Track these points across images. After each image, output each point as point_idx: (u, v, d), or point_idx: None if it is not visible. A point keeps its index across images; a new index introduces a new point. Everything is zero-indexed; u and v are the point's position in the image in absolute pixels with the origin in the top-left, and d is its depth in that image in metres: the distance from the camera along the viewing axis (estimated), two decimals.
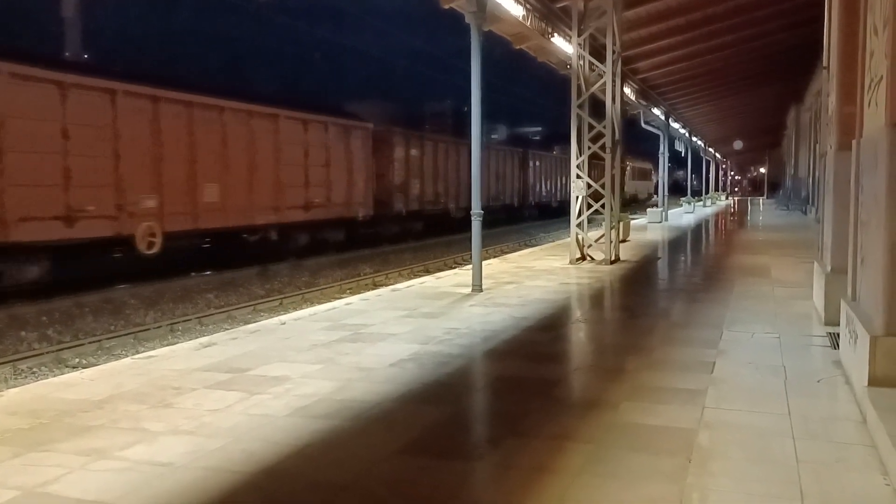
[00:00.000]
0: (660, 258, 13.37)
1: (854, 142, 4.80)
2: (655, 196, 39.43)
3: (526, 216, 32.02)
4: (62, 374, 6.57)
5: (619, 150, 11.94)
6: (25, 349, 8.71)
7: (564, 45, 11.92)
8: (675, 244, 16.64)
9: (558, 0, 11.35)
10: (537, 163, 33.52)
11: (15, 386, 6.49)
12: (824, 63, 6.96)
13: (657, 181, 33.98)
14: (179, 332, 9.75)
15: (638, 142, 40.27)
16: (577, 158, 11.61)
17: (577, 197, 11.72)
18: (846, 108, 5.47)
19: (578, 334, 6.51)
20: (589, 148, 11.71)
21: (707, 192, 42.51)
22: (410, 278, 12.41)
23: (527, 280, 9.64)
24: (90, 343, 8.92)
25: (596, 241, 11.91)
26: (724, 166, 59.72)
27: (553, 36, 11.64)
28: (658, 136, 26.26)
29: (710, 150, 43.75)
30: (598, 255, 11.68)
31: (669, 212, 26.25)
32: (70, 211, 11.49)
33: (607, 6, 11.07)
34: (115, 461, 3.32)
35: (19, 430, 3.77)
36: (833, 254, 6.06)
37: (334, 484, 3.09)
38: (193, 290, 12.87)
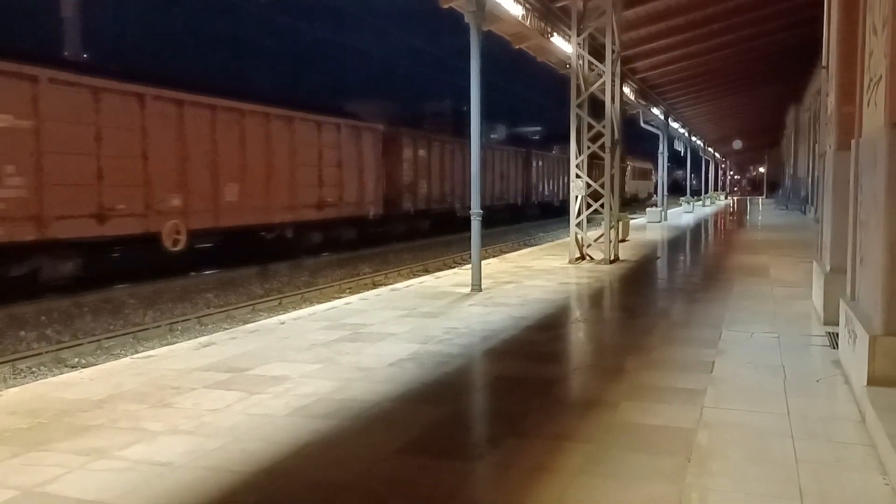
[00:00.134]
0: (659, 258, 13.38)
1: (853, 141, 4.81)
2: (655, 196, 39.46)
3: (529, 215, 32.35)
4: (61, 373, 6.56)
5: (619, 149, 11.94)
6: (25, 349, 8.70)
7: (564, 45, 11.92)
8: (675, 244, 16.64)
9: (557, 0, 11.36)
10: (540, 163, 33.85)
11: (14, 385, 6.50)
12: (823, 63, 6.97)
13: (657, 181, 34.03)
14: (179, 332, 9.75)
15: (638, 142, 40.33)
16: (577, 158, 11.61)
17: (577, 196, 11.72)
18: (845, 107, 5.47)
19: (578, 334, 6.52)
20: (588, 147, 11.71)
21: (706, 192, 42.53)
22: (410, 278, 12.42)
23: (526, 280, 9.65)
24: (89, 343, 8.92)
25: (595, 240, 11.92)
26: (723, 166, 59.74)
27: (552, 35, 11.65)
28: (657, 136, 26.27)
29: (710, 149, 43.77)
30: (598, 255, 11.69)
31: (669, 211, 26.27)
32: (102, 209, 12.03)
33: (606, 6, 11.07)
34: (114, 461, 3.31)
35: (18, 429, 3.77)
36: (832, 253, 6.06)
37: (334, 483, 3.09)
38: (192, 289, 12.87)
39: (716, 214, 30.71)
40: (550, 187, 35.23)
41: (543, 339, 6.15)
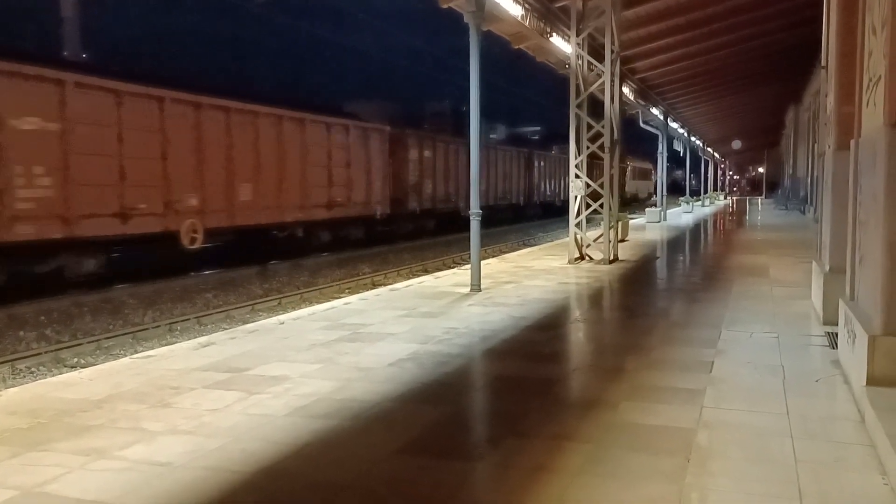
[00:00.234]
0: (658, 258, 13.38)
1: (852, 141, 4.81)
2: (655, 196, 39.52)
3: (531, 215, 32.70)
4: (61, 373, 6.56)
5: (618, 149, 11.94)
6: (24, 349, 8.70)
7: (563, 45, 11.92)
8: (674, 244, 16.65)
9: (557, 0, 11.37)
10: (542, 163, 34.20)
11: (14, 385, 6.49)
12: (823, 63, 6.97)
13: (656, 181, 34.10)
14: (178, 332, 9.75)
15: (638, 142, 40.37)
16: (576, 158, 11.61)
17: (576, 197, 11.73)
18: (844, 107, 5.47)
19: (577, 334, 6.52)
20: (588, 148, 11.71)
21: (706, 192, 42.54)
22: (409, 278, 12.42)
23: (525, 280, 9.65)
24: (89, 343, 8.92)
25: (595, 240, 11.92)
26: (722, 166, 59.76)
27: (552, 35, 11.64)
28: (657, 136, 26.28)
29: (709, 149, 43.79)
30: (597, 255, 11.69)
31: (668, 211, 26.28)
32: (124, 208, 12.46)
33: (606, 6, 11.08)
34: (113, 461, 3.31)
35: (18, 429, 3.77)
36: (831, 253, 6.07)
37: (334, 483, 3.09)
38: (192, 289, 12.87)
39: (715, 214, 30.73)
40: (552, 187, 35.51)
41: (543, 339, 6.15)
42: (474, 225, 8.61)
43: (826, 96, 6.75)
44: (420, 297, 8.28)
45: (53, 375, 6.81)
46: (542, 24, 11.23)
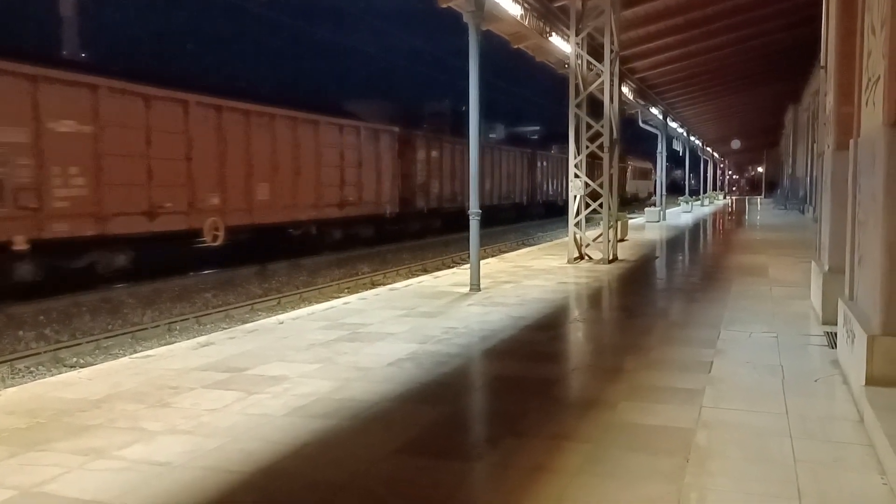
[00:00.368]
0: (657, 257, 13.38)
1: (851, 141, 4.81)
2: (655, 195, 39.57)
3: (534, 214, 33.14)
4: (60, 373, 6.55)
5: (617, 149, 11.94)
6: (23, 348, 8.69)
7: (562, 45, 11.92)
8: (673, 243, 16.65)
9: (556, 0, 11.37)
10: (544, 163, 34.66)
11: (12, 385, 6.48)
12: (822, 63, 6.97)
13: (656, 180, 34.15)
14: (177, 332, 9.74)
15: (638, 142, 40.40)
16: (576, 158, 11.61)
17: (575, 196, 11.73)
18: (844, 107, 5.47)
19: (576, 334, 6.52)
20: (587, 147, 11.71)
21: (705, 192, 42.55)
22: (408, 277, 12.41)
23: (525, 279, 9.65)
24: (88, 342, 8.91)
25: (594, 240, 11.92)
26: (721, 166, 59.78)
27: (551, 35, 11.64)
28: (656, 136, 26.29)
29: (709, 149, 43.81)
30: (596, 255, 11.69)
31: (667, 211, 26.29)
32: (152, 207, 13.05)
33: (605, 5, 11.07)
34: (112, 461, 3.31)
35: (17, 429, 3.77)
36: (831, 253, 6.07)
37: (332, 483, 3.09)
38: (191, 289, 12.87)
39: (714, 214, 30.74)
40: (554, 187, 35.87)
41: (542, 338, 6.15)
42: (474, 225, 8.61)
43: (825, 96, 6.75)
44: (419, 296, 8.28)
45: (52, 375, 6.80)
46: (541, 24, 11.23)
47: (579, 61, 11.56)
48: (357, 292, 9.84)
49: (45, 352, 8.42)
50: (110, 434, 3.67)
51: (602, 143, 11.52)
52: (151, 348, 6.42)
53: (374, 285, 13.00)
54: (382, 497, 2.96)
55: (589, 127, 11.65)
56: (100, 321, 10.28)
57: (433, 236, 23.27)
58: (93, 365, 6.47)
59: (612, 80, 11.47)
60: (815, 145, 19.19)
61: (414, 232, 22.87)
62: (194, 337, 6.79)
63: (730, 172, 70.47)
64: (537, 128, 48.77)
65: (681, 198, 33.92)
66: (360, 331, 6.28)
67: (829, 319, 5.76)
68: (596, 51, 11.64)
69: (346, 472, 3.20)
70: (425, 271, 14.83)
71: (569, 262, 11.55)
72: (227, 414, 3.98)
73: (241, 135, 15.22)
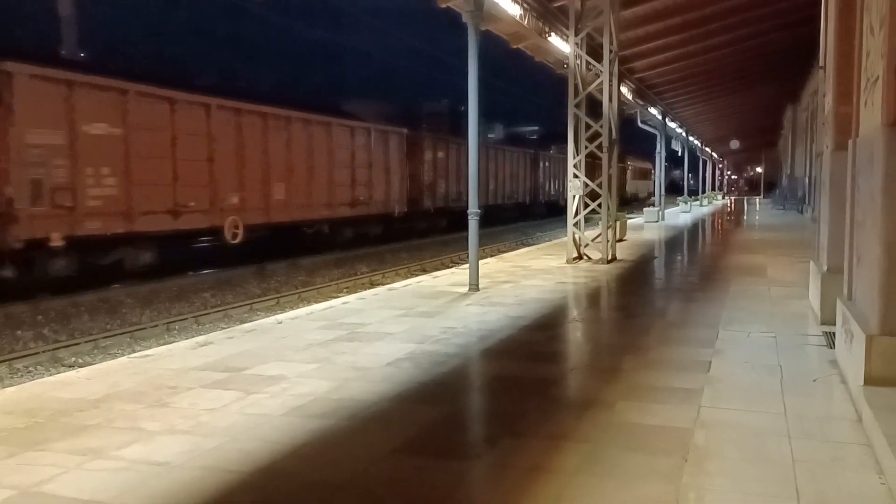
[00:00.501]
0: (656, 257, 13.38)
1: (850, 141, 4.81)
2: (654, 195, 39.66)
3: (536, 214, 33.63)
4: (58, 373, 6.54)
5: (616, 149, 11.94)
6: (21, 348, 8.68)
7: (561, 45, 11.92)
8: (672, 243, 16.66)
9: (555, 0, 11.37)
10: (546, 163, 35.17)
11: (11, 385, 6.47)
12: (821, 63, 6.98)
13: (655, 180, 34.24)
14: (176, 332, 9.74)
15: (637, 142, 40.42)
16: (574, 158, 11.61)
17: (574, 196, 11.73)
18: (842, 107, 5.48)
19: (575, 334, 6.52)
20: (586, 147, 11.72)
21: (704, 192, 42.57)
22: (407, 277, 12.41)
23: (523, 279, 9.65)
24: (86, 342, 8.90)
25: (593, 240, 11.92)
26: (720, 166, 59.81)
27: (550, 35, 11.65)
28: (655, 136, 26.30)
29: (707, 149, 43.83)
30: (595, 255, 11.69)
31: (666, 211, 26.29)
32: (176, 206, 13.65)
33: (604, 6, 11.08)
34: (111, 461, 3.31)
35: (15, 429, 3.76)
36: (829, 253, 6.07)
37: (331, 483, 3.09)
38: (190, 289, 12.86)
39: (713, 214, 30.75)
40: (556, 187, 36.31)
41: (540, 338, 6.15)
42: (472, 225, 8.60)
43: (824, 96, 6.75)
44: (418, 296, 8.28)
45: (51, 375, 6.79)
46: (540, 24, 11.24)
47: (578, 61, 11.56)
48: (356, 292, 9.84)
49: (43, 351, 8.42)
50: (109, 434, 3.67)
51: (601, 143, 11.52)
52: (150, 348, 6.42)
53: (372, 285, 12.99)
54: (381, 497, 2.96)
55: (588, 127, 11.65)
56: (98, 321, 10.27)
57: (439, 235, 23.69)
58: (91, 365, 6.46)
59: (610, 80, 11.47)
60: (813, 145, 19.22)
61: (421, 230, 23.49)
62: (193, 337, 6.79)
63: (728, 172, 70.50)
64: (536, 128, 48.78)
65: (679, 198, 33.94)
66: (358, 331, 6.28)
67: (828, 319, 5.77)
68: (595, 51, 11.64)
69: (344, 471, 3.20)
70: (424, 271, 14.83)
71: (567, 262, 11.55)
72: (225, 414, 3.97)
73: (258, 137, 15.81)
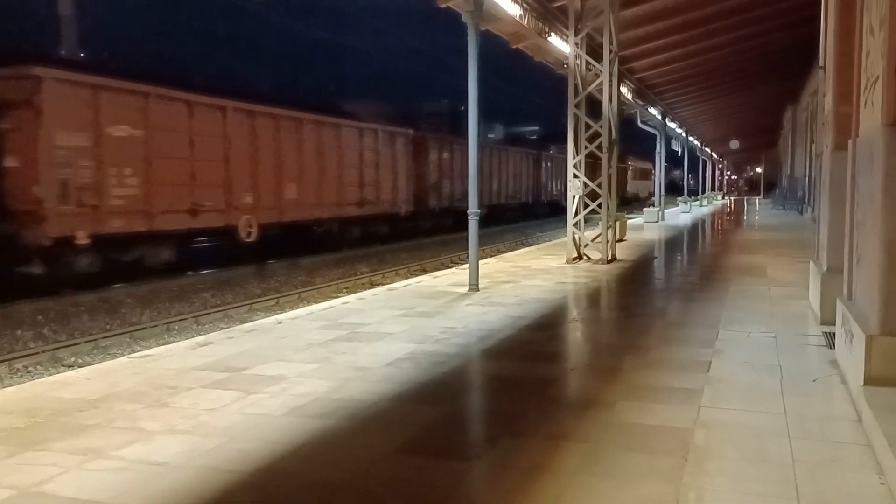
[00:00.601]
0: (656, 257, 13.38)
1: (850, 142, 4.81)
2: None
3: (539, 213, 34.01)
4: (58, 373, 6.54)
5: (616, 149, 11.94)
6: (21, 348, 8.68)
7: (561, 45, 11.92)
8: (672, 244, 16.65)
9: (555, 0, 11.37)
10: (549, 163, 35.52)
11: (10, 385, 6.47)
12: (821, 63, 6.98)
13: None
14: (176, 332, 9.74)
15: (636, 142, 40.43)
16: (574, 158, 11.61)
17: (574, 196, 11.73)
18: (842, 107, 5.48)
19: (575, 334, 6.52)
20: (586, 147, 11.71)
21: (703, 192, 42.57)
22: (407, 277, 12.41)
23: (523, 279, 9.65)
24: (86, 342, 8.90)
25: (592, 240, 11.92)
26: (720, 166, 59.82)
27: (550, 35, 11.64)
28: (655, 136, 26.30)
29: (707, 149, 43.83)
30: (595, 255, 11.69)
31: (666, 211, 26.30)
32: (194, 205, 14.17)
33: (604, 6, 11.07)
34: (110, 460, 3.31)
35: (15, 429, 3.76)
36: (829, 253, 6.07)
37: (331, 483, 3.08)
38: (189, 289, 12.86)
39: (713, 214, 30.75)
40: (558, 186, 36.70)
41: (540, 338, 6.15)
42: (472, 225, 8.61)
43: (824, 96, 6.75)
44: (418, 296, 8.28)
45: (50, 375, 6.79)
46: (540, 24, 11.23)
47: (578, 61, 11.56)
48: (355, 292, 9.83)
49: (43, 351, 8.42)
50: (108, 434, 3.67)
51: (601, 144, 11.52)
52: (150, 348, 6.42)
53: (372, 285, 12.99)
54: (381, 497, 2.96)
55: (588, 127, 11.65)
56: (98, 321, 10.27)
57: (444, 234, 23.98)
58: (91, 364, 6.46)
59: (610, 81, 11.46)
60: (813, 145, 19.21)
61: (427, 229, 23.99)
62: (193, 337, 6.79)
63: (728, 172, 70.50)
64: (536, 128, 48.80)
65: (679, 198, 33.94)
66: (358, 331, 6.28)
67: (828, 319, 5.77)
68: (595, 51, 11.64)
69: (344, 471, 3.20)
70: (424, 271, 14.83)
71: (567, 262, 11.55)
72: (225, 414, 3.97)
73: (271, 138, 16.32)
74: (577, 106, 11.57)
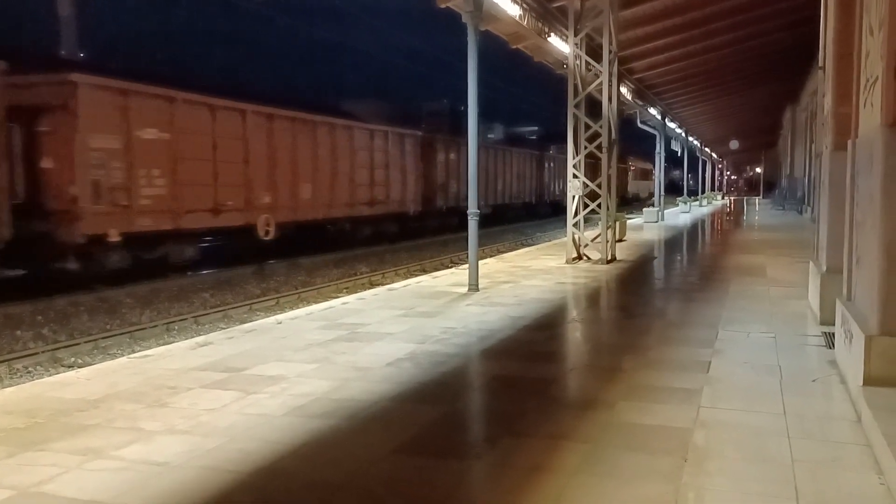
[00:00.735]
0: (656, 258, 13.39)
1: (849, 142, 4.82)
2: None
3: (542, 213, 34.23)
4: (58, 373, 6.55)
5: (616, 149, 11.94)
6: (21, 348, 8.68)
7: (561, 45, 11.92)
8: (671, 244, 16.66)
9: (554, 0, 11.36)
10: (551, 164, 35.70)
11: (10, 385, 6.48)
12: (820, 63, 6.98)
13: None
14: (175, 332, 9.73)
15: (636, 142, 40.47)
16: (574, 158, 11.61)
17: (574, 196, 11.73)
18: (842, 108, 5.48)
19: (574, 334, 6.52)
20: (585, 148, 11.71)
21: (703, 192, 42.58)
22: (407, 277, 12.41)
23: (523, 279, 9.65)
24: (86, 342, 8.90)
25: (592, 240, 11.92)
26: (720, 166, 59.83)
27: (549, 36, 11.65)
28: (655, 136, 26.31)
29: (707, 149, 43.84)
30: (595, 255, 11.70)
31: (666, 211, 26.30)
32: (216, 205, 14.69)
33: (604, 6, 11.08)
34: (110, 461, 3.31)
35: (15, 429, 3.76)
36: (828, 254, 6.07)
37: (331, 483, 3.09)
38: (189, 289, 12.85)
39: (712, 214, 30.76)
40: (560, 187, 36.66)
41: (540, 338, 6.15)
42: (472, 225, 8.61)
43: (823, 97, 6.76)
44: (418, 296, 8.28)
45: (50, 375, 6.80)
46: (539, 24, 11.23)
47: (578, 62, 11.56)
48: (355, 292, 9.83)
49: (42, 352, 8.41)
50: (108, 434, 3.67)
51: (600, 144, 11.52)
52: (149, 348, 6.42)
53: (372, 285, 12.99)
54: (381, 497, 2.97)
55: (587, 127, 11.66)
56: (98, 321, 10.27)
57: (450, 233, 24.14)
58: (91, 365, 6.46)
59: (610, 81, 11.47)
60: (813, 146, 19.22)
61: (434, 228, 24.36)
62: (192, 337, 6.80)
63: (728, 173, 70.52)
64: (536, 128, 48.79)
65: (679, 198, 33.94)
66: (358, 331, 6.28)
67: (827, 320, 5.77)
68: (594, 51, 11.64)
69: (344, 471, 3.20)
70: (424, 271, 14.83)
71: (567, 262, 11.56)
72: (225, 414, 3.97)
73: (288, 140, 16.85)
74: (576, 106, 11.57)
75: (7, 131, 11.17)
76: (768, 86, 24.01)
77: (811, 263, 7.25)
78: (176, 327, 9.99)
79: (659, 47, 15.21)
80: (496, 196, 28.27)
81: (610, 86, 11.47)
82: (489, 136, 34.98)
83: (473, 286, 8.54)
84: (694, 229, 21.88)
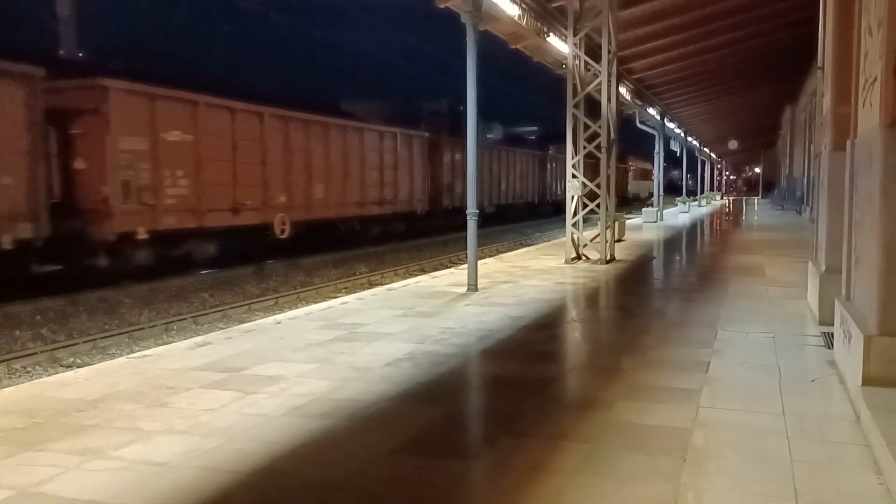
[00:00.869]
0: (655, 258, 13.39)
1: (848, 142, 4.82)
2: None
3: (544, 213, 34.54)
4: (57, 373, 6.55)
5: (615, 149, 11.94)
6: (20, 348, 8.68)
7: (560, 45, 11.92)
8: (671, 244, 16.67)
9: (554, 0, 11.37)
10: (553, 164, 36.00)
11: (9, 385, 6.47)
12: (819, 63, 6.99)
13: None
14: (174, 332, 9.73)
15: (635, 142, 40.48)
16: (573, 158, 11.61)
17: (573, 196, 11.73)
18: (841, 108, 5.49)
19: (574, 334, 6.52)
20: (584, 148, 11.72)
21: (702, 192, 42.60)
22: (406, 277, 12.41)
23: (522, 279, 9.65)
24: (85, 342, 8.90)
25: (591, 240, 11.92)
26: (719, 166, 59.85)
27: (549, 36, 11.65)
28: (654, 136, 26.31)
29: (706, 149, 43.87)
30: (594, 255, 11.70)
31: (665, 211, 26.31)
32: (236, 204, 15.33)
33: (603, 6, 11.08)
34: (109, 461, 3.31)
35: (14, 429, 3.76)
36: (827, 254, 6.08)
37: (330, 483, 3.09)
38: (188, 289, 12.85)
39: (711, 214, 30.77)
40: (562, 187, 36.40)
41: (539, 338, 6.15)
42: (471, 225, 8.61)
43: (822, 97, 6.76)
44: (417, 296, 8.28)
45: (49, 375, 6.80)
46: (538, 24, 11.24)
47: (577, 62, 11.56)
48: (354, 292, 9.83)
49: (41, 352, 8.41)
50: (107, 434, 3.67)
51: (600, 144, 11.52)
52: (148, 348, 6.41)
53: (371, 285, 12.99)
54: (380, 497, 2.97)
55: (587, 127, 11.66)
56: (97, 321, 10.26)
57: (455, 232, 24.12)
58: (90, 365, 6.46)
59: (609, 81, 11.47)
60: (812, 146, 19.24)
61: (440, 227, 24.75)
62: (191, 337, 6.79)
63: (727, 173, 70.55)
64: (535, 128, 48.80)
65: (678, 198, 33.95)
66: (357, 331, 6.28)
67: (826, 320, 5.78)
68: (594, 51, 11.64)
69: (343, 471, 3.20)
70: (423, 271, 14.82)
71: (566, 262, 11.56)
72: (224, 414, 3.97)
73: (302, 141, 17.47)
74: (575, 106, 11.57)
75: (45, 134, 11.67)
76: (767, 86, 24.02)
77: (810, 263, 7.26)
78: (175, 327, 9.99)
79: (658, 47, 15.20)
80: (500, 196, 28.65)
81: (609, 86, 11.47)
82: (489, 136, 35.05)
83: (472, 286, 8.54)
84: (693, 229, 21.89)
